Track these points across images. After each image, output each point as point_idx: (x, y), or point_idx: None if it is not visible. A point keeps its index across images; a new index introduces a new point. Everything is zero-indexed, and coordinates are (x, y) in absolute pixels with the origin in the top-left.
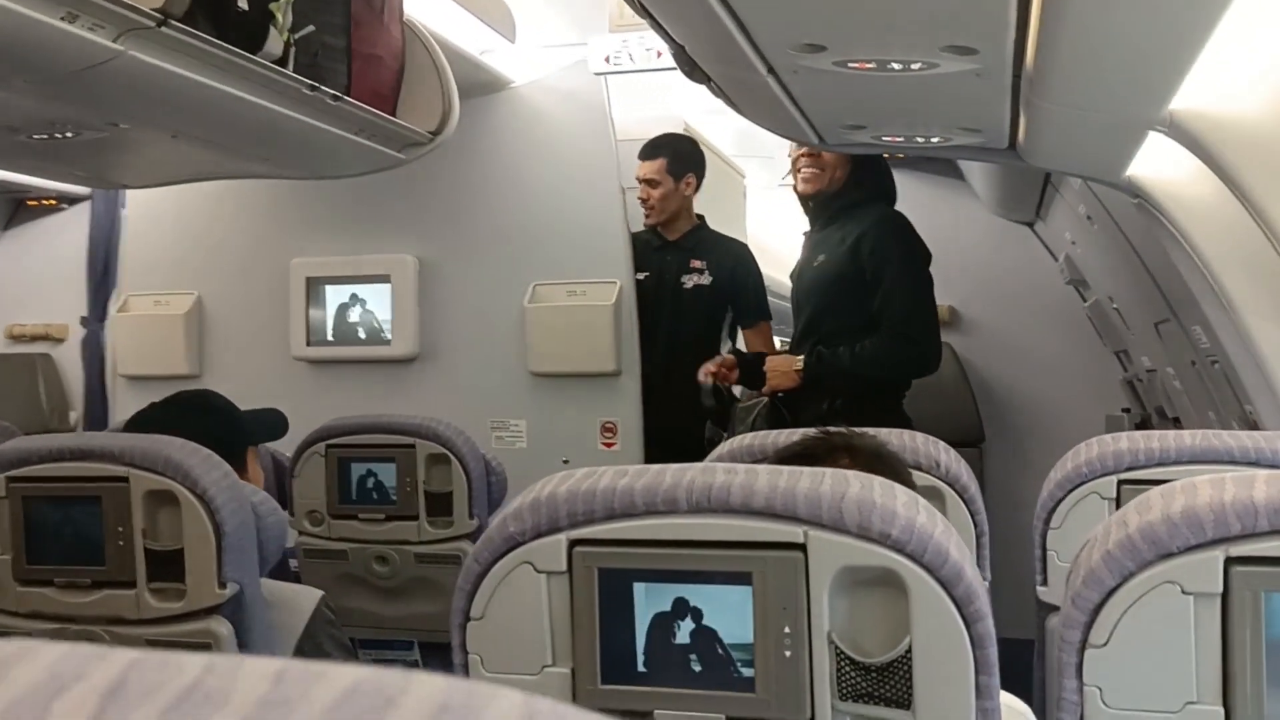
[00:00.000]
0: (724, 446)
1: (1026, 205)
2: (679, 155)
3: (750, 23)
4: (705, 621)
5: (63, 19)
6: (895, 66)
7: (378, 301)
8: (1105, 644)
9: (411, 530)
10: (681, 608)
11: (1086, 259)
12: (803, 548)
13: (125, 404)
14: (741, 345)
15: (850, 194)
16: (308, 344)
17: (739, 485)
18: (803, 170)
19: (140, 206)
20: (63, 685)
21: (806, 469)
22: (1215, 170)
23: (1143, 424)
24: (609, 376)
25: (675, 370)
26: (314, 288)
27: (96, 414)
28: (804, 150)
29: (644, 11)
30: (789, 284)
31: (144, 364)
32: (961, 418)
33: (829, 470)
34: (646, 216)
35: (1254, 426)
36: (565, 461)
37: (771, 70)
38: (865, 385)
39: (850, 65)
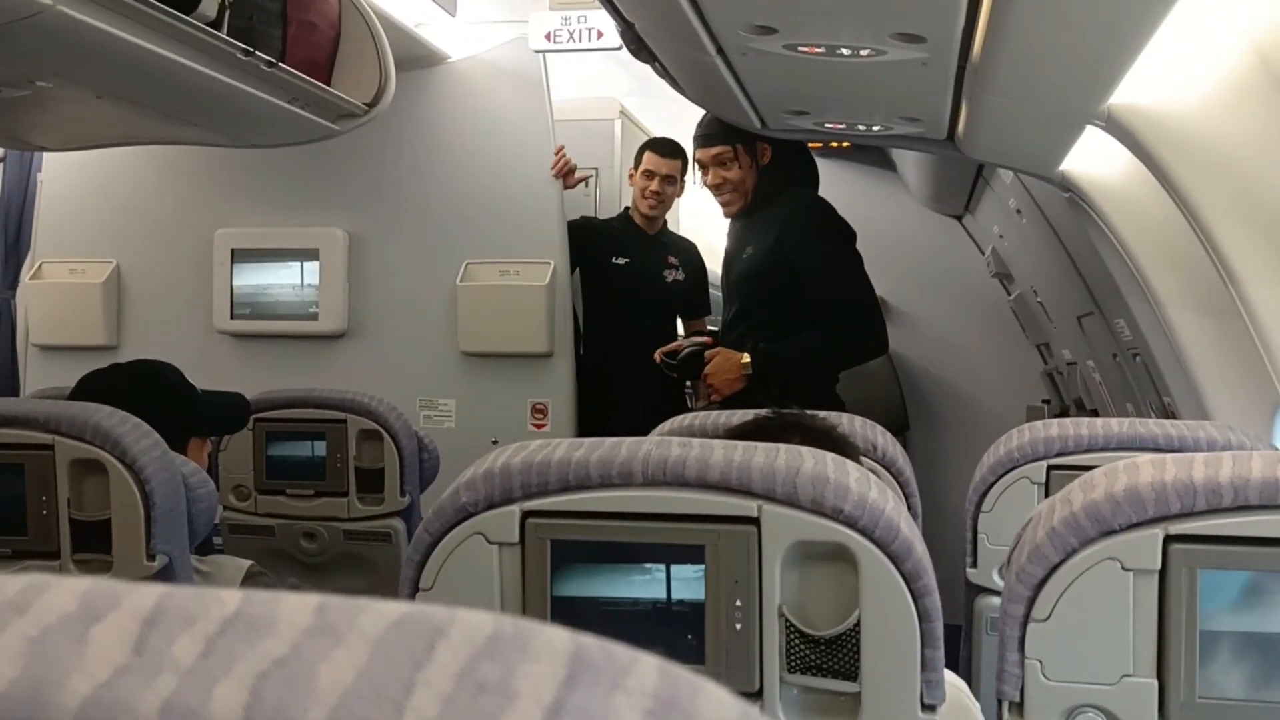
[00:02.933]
0: (665, 425)
1: (956, 198)
2: (686, 160)
3: (704, 2)
4: (656, 593)
5: None
6: (844, 52)
7: (305, 275)
8: (1047, 618)
9: (341, 507)
10: (633, 579)
11: (1013, 252)
12: (756, 522)
13: (38, 375)
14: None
15: (769, 183)
16: (231, 317)
17: (694, 459)
18: (720, 198)
19: (56, 170)
20: (96, 613)
21: (761, 444)
22: (1148, 165)
23: (1062, 415)
24: (541, 357)
25: (646, 354)
26: (239, 259)
27: (5, 384)
28: (711, 181)
29: None
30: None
31: (58, 333)
32: (888, 406)
33: (783, 446)
34: (651, 208)
35: (1172, 417)
36: (494, 442)
37: (721, 51)
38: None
39: (800, 49)
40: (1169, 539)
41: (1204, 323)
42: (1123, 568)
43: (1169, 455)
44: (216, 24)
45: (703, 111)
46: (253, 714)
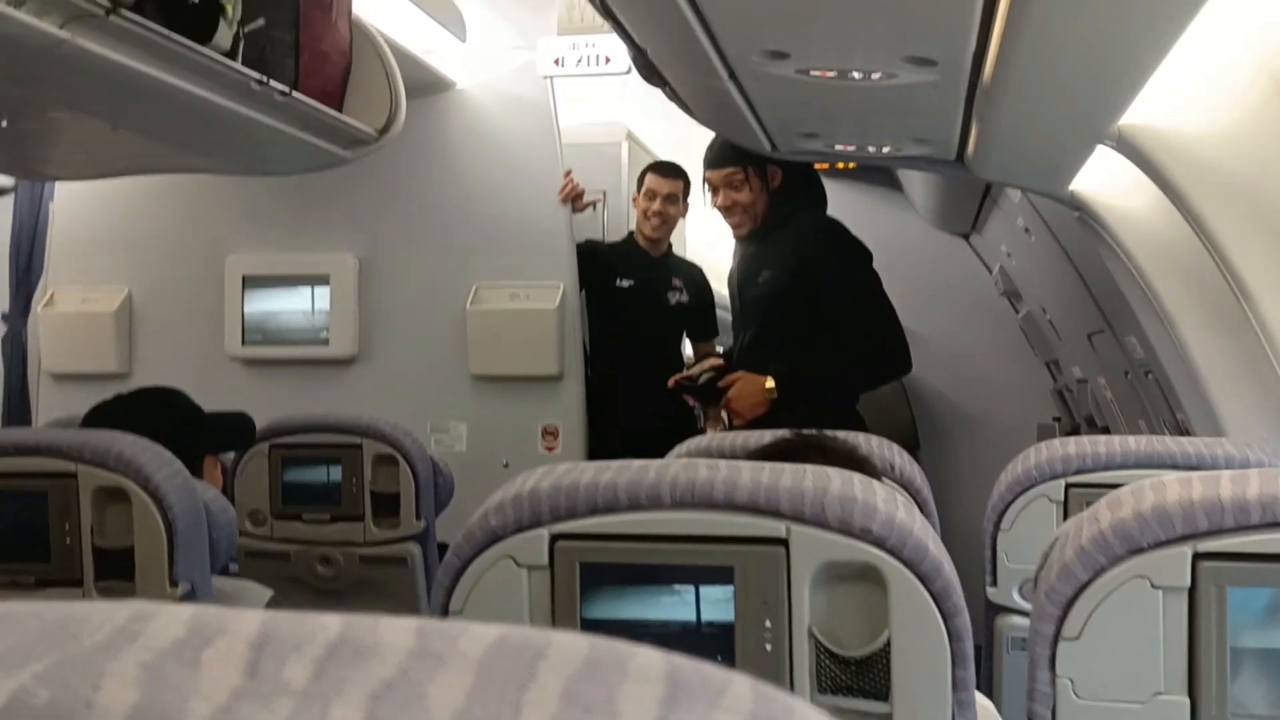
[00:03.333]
0: (681, 448)
1: (964, 218)
2: (688, 181)
3: (718, 28)
4: (685, 615)
5: (8, 2)
6: (856, 75)
7: (315, 301)
8: (1078, 637)
9: (357, 531)
10: (662, 601)
11: (1021, 271)
12: (785, 543)
13: (50, 403)
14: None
15: (782, 206)
16: (243, 343)
17: (722, 480)
18: (730, 220)
19: (68, 199)
20: (205, 638)
21: (788, 465)
22: (1159, 184)
23: (1073, 433)
24: (551, 380)
25: (650, 376)
26: (250, 285)
27: (17, 413)
28: (721, 203)
29: (608, 14)
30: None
31: (71, 361)
32: (899, 426)
33: (810, 466)
34: (655, 229)
35: (1186, 433)
36: (505, 465)
37: (733, 76)
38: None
39: (812, 73)
40: (1197, 556)
41: (1217, 339)
42: (1152, 585)
43: (1195, 473)
44: (231, 54)
45: (707, 134)
46: None
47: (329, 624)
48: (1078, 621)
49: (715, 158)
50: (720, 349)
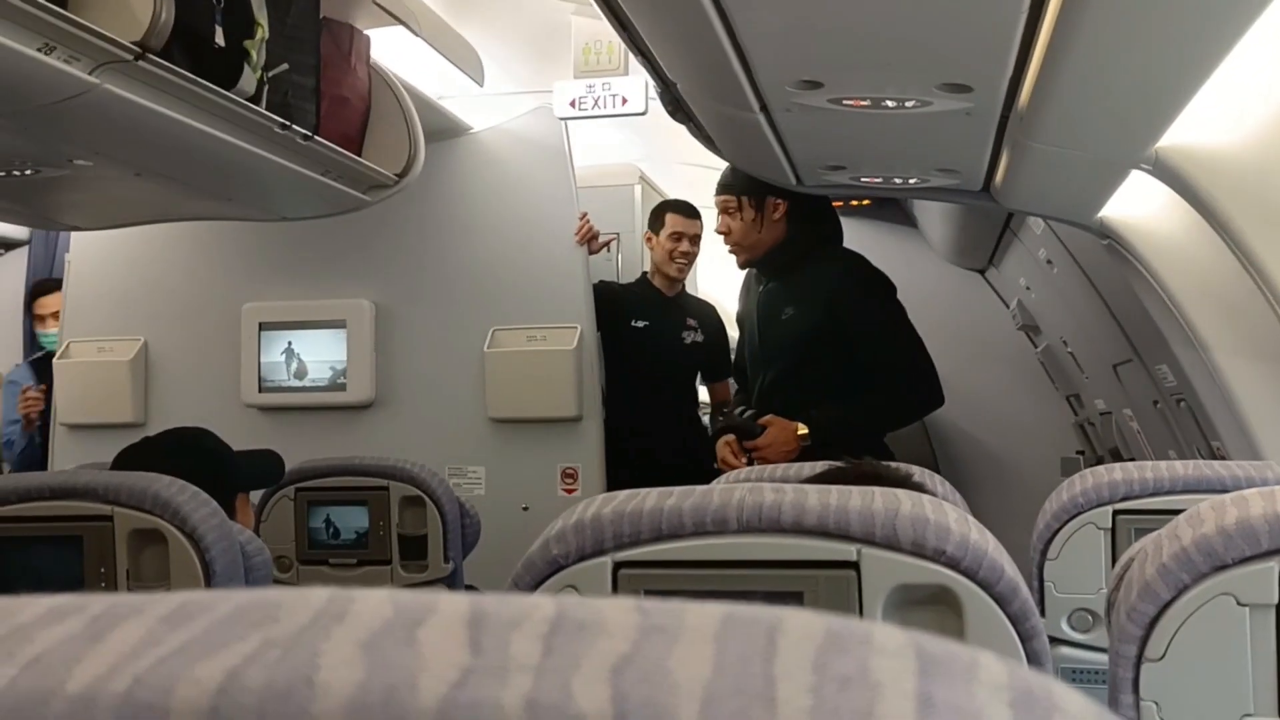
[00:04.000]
0: (719, 481)
1: (981, 252)
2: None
3: (754, 59)
4: None
5: (39, 50)
6: (889, 104)
7: (333, 347)
8: (1162, 658)
9: (384, 575)
10: None
11: (1041, 304)
12: (856, 566)
13: (65, 454)
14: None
15: (799, 243)
16: (259, 390)
17: (790, 504)
18: (726, 245)
19: (84, 249)
20: (416, 618)
21: (854, 488)
22: (1198, 209)
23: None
24: (569, 422)
25: (669, 416)
26: (267, 332)
27: (35, 465)
28: (717, 228)
29: (638, 49)
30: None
31: (86, 412)
32: (918, 461)
33: (877, 489)
34: (680, 271)
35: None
36: (525, 509)
37: (764, 107)
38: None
39: (845, 102)
40: None
41: (1254, 365)
42: (1238, 603)
43: (1276, 488)
44: (255, 99)
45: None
46: (622, 708)
47: (541, 603)
48: (1161, 642)
49: (719, 183)
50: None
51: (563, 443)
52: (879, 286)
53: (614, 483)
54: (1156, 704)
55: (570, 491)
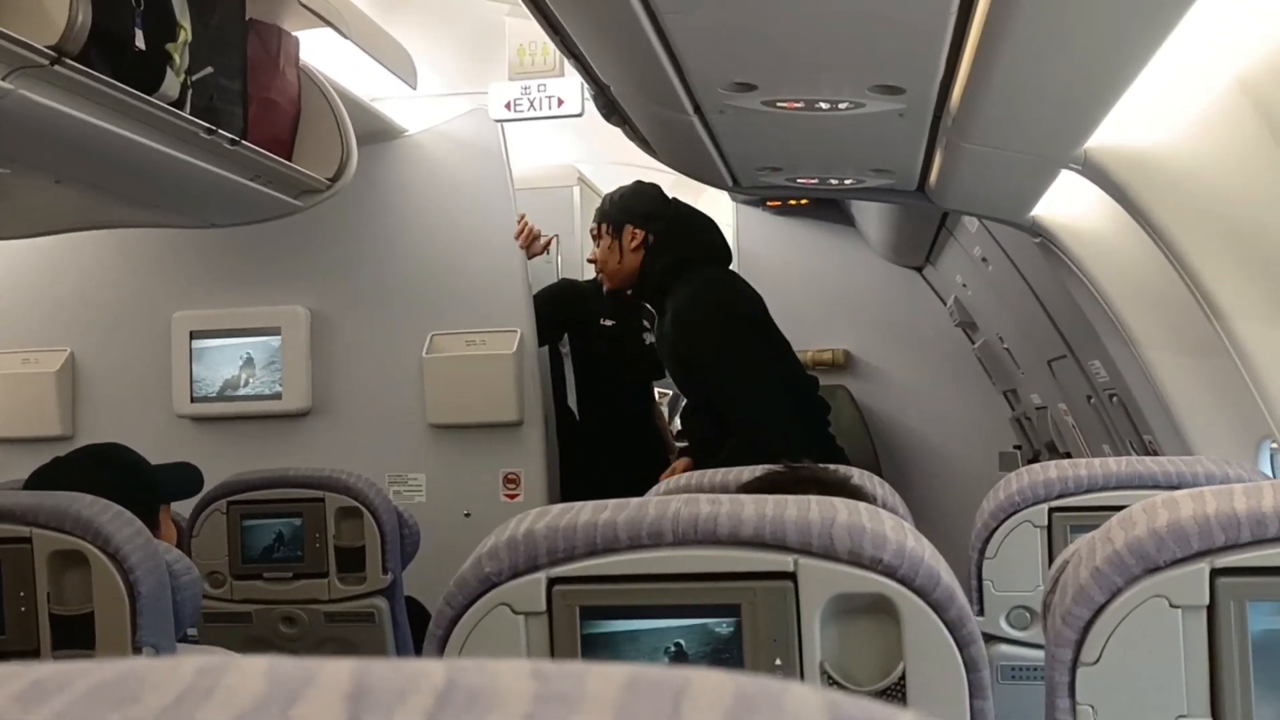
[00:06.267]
0: (660, 486)
1: (918, 250)
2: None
3: (686, 61)
4: (693, 658)
5: None
6: (823, 106)
7: (268, 355)
8: (1097, 661)
9: (321, 588)
10: (667, 644)
11: (977, 301)
12: (793, 576)
13: None
14: None
15: (655, 274)
16: (192, 400)
17: (726, 515)
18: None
19: (5, 258)
20: (291, 692)
21: (790, 496)
22: (1126, 207)
23: (1035, 460)
24: (511, 426)
25: (634, 417)
26: (198, 341)
27: None
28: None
29: (570, 51)
30: None
31: (12, 425)
32: (860, 459)
33: (813, 497)
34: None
35: (1155, 454)
36: (467, 515)
37: (698, 109)
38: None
39: (779, 105)
40: (1215, 573)
41: (1184, 360)
42: (1170, 605)
43: (1207, 489)
44: (179, 104)
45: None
46: None
47: (431, 670)
48: (1096, 645)
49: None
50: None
51: (504, 448)
52: (721, 314)
53: (588, 486)
54: (1093, 708)
55: (512, 497)
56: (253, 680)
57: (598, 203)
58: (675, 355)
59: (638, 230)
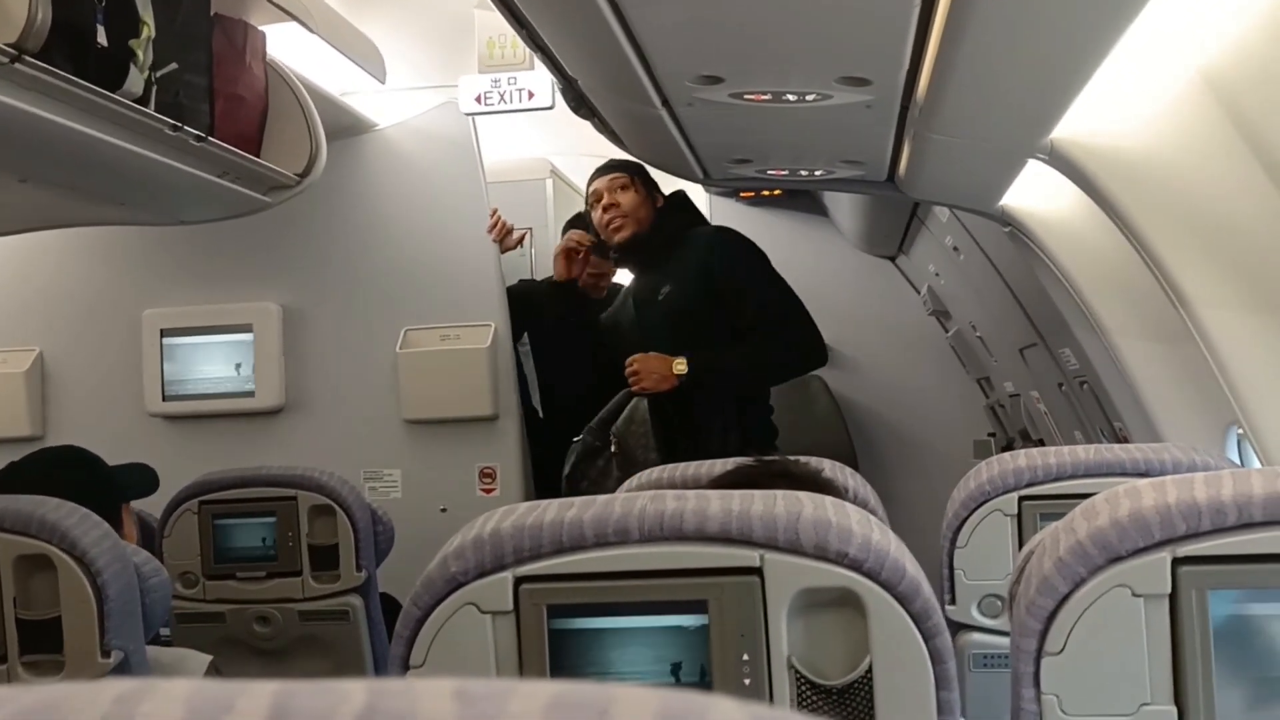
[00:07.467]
0: (634, 480)
1: (890, 240)
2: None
3: (652, 54)
4: (661, 654)
5: None
6: (790, 98)
7: (239, 352)
8: (1061, 651)
9: (295, 587)
10: (635, 641)
11: (949, 290)
12: (759, 571)
13: None
14: None
15: (667, 227)
16: (163, 398)
17: (691, 511)
18: (610, 224)
19: None
20: (209, 718)
21: (757, 492)
22: (1092, 196)
23: (1009, 447)
24: (486, 421)
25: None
26: (169, 339)
27: None
28: (607, 201)
29: (536, 45)
30: None
31: None
32: (835, 449)
33: (779, 492)
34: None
35: (1125, 441)
36: (443, 510)
37: (666, 102)
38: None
39: (746, 97)
40: (1177, 561)
41: (1152, 348)
42: (1133, 594)
43: (1168, 478)
44: (143, 100)
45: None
46: None
47: (351, 693)
48: (1060, 635)
49: (602, 169)
50: None
51: (480, 442)
52: (753, 248)
53: (559, 480)
54: (1058, 697)
55: (489, 492)
56: (170, 708)
57: (570, 195)
58: (704, 286)
59: (657, 194)
